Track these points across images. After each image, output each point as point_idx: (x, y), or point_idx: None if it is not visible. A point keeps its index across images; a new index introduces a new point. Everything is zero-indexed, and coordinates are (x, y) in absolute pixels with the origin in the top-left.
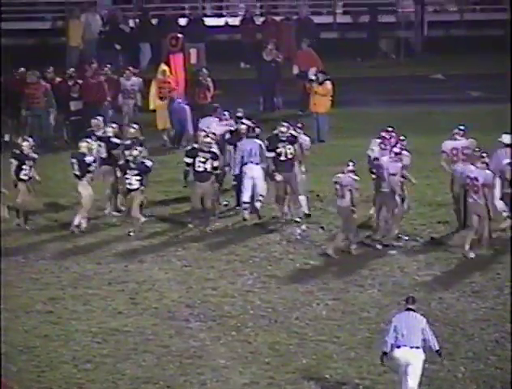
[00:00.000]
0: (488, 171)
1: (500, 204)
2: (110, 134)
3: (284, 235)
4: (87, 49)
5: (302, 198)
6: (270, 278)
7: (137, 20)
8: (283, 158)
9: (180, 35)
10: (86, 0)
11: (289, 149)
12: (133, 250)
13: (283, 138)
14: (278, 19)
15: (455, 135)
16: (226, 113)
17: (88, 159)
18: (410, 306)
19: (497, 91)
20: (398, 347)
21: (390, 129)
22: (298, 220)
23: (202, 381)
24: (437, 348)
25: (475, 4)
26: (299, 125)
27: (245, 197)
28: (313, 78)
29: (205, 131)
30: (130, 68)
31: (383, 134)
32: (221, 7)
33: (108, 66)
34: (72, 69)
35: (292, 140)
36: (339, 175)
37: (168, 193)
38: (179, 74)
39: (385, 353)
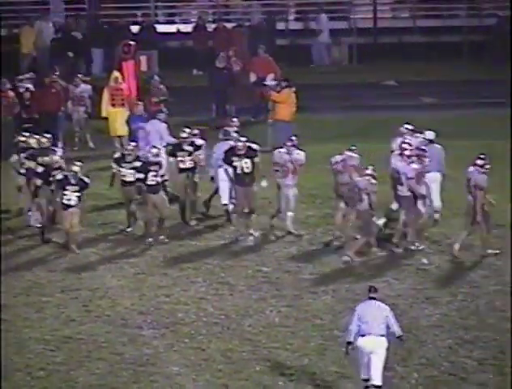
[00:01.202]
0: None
1: (437, 203)
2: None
3: (237, 242)
4: (39, 57)
5: (289, 215)
6: (223, 285)
7: (89, 27)
8: (239, 171)
9: (132, 42)
10: (39, 7)
11: (245, 163)
12: (85, 258)
13: (241, 152)
14: (230, 26)
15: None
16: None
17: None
18: (372, 295)
19: (450, 98)
20: (363, 335)
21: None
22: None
23: (155, 388)
24: (400, 333)
25: (427, 10)
26: (293, 140)
27: (224, 199)
28: (270, 84)
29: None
30: (80, 75)
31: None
32: (174, 14)
33: (57, 73)
34: (25, 75)
35: (251, 154)
36: (358, 178)
37: (120, 199)
38: (131, 81)
39: (349, 343)
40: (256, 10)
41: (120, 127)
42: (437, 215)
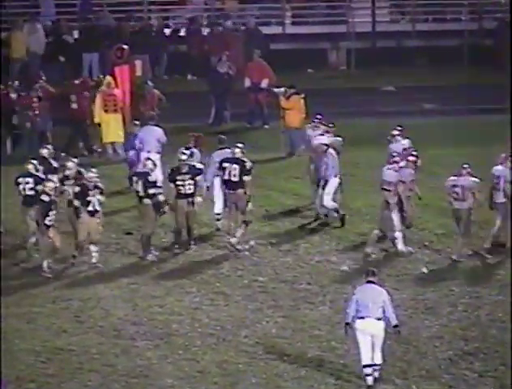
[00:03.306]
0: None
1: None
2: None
3: (232, 251)
4: (30, 61)
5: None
6: (218, 295)
7: (81, 31)
8: (226, 177)
9: (125, 46)
10: (29, 11)
11: (234, 169)
12: (77, 267)
13: (231, 160)
14: (225, 30)
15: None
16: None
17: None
18: (370, 279)
19: (451, 103)
20: (362, 318)
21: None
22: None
23: None
24: (396, 323)
25: (426, 14)
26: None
27: (217, 208)
28: (278, 91)
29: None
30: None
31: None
32: (168, 18)
33: (44, 78)
34: (16, 82)
35: (237, 161)
36: (457, 178)
37: (114, 208)
38: (125, 86)
39: (347, 324)
40: (251, 14)
41: (113, 133)
42: None
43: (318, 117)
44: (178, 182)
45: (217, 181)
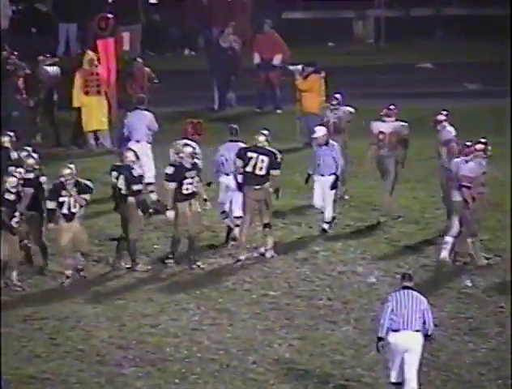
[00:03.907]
0: None
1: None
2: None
3: (239, 260)
4: None
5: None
6: (221, 313)
7: None
8: (249, 170)
9: (110, 15)
10: None
11: (262, 161)
12: (53, 280)
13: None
14: None
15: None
16: None
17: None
18: (407, 284)
19: (498, 84)
20: (396, 330)
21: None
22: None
23: None
24: (432, 332)
25: None
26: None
27: (236, 212)
28: (294, 69)
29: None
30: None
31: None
32: None
33: (15, 53)
34: None
35: (265, 152)
36: None
37: (97, 208)
38: (109, 63)
39: (380, 339)
40: None
41: (96, 120)
42: None
43: (337, 96)
44: (187, 182)
45: (223, 179)
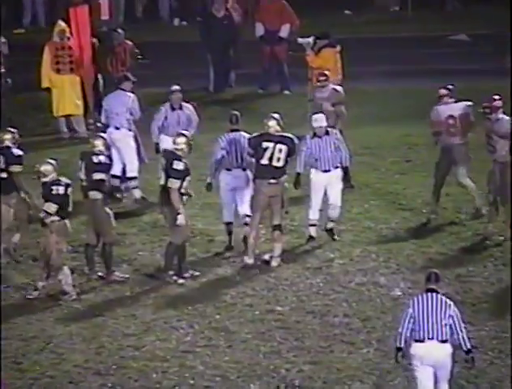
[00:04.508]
0: None
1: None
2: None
3: (240, 270)
4: None
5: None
6: (217, 332)
7: None
8: (264, 163)
9: None
10: None
11: (280, 151)
12: (17, 292)
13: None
14: None
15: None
16: None
17: None
18: (432, 286)
19: None
20: (420, 341)
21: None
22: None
23: None
24: (468, 346)
25: None
26: None
27: (227, 216)
28: (304, 42)
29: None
30: None
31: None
32: None
33: None
34: None
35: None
36: None
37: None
38: (83, 35)
39: (399, 349)
40: None
41: (68, 103)
42: None
43: (326, 72)
44: (188, 179)
45: (224, 176)
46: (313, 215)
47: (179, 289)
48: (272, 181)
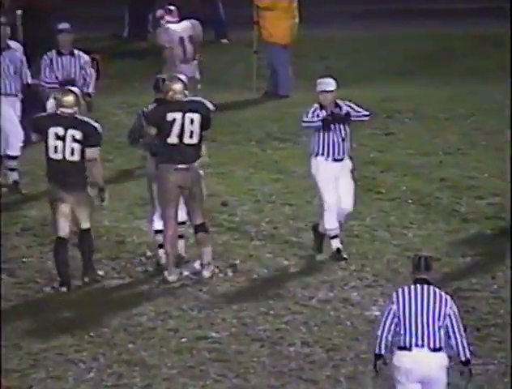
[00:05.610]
0: None
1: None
2: None
3: (160, 283)
4: None
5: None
6: (131, 367)
7: None
8: (172, 141)
9: None
10: None
11: (191, 122)
12: None
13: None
14: None
15: None
16: None
17: None
18: (422, 276)
19: None
20: (406, 349)
21: None
22: None
23: None
24: (468, 356)
25: None
26: None
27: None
28: None
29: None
30: None
31: None
32: None
33: None
34: None
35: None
36: None
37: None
38: None
39: (378, 356)
40: None
41: None
42: None
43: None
44: None
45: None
46: (332, 220)
47: (76, 308)
48: (181, 166)
